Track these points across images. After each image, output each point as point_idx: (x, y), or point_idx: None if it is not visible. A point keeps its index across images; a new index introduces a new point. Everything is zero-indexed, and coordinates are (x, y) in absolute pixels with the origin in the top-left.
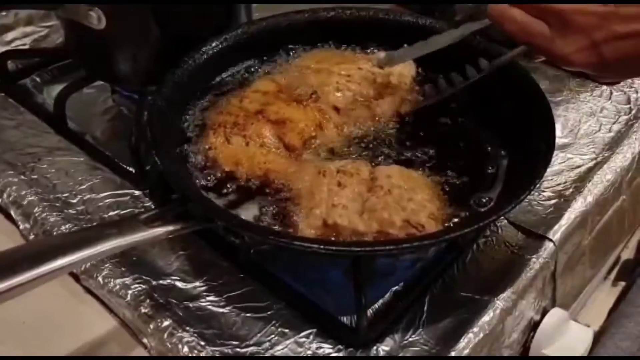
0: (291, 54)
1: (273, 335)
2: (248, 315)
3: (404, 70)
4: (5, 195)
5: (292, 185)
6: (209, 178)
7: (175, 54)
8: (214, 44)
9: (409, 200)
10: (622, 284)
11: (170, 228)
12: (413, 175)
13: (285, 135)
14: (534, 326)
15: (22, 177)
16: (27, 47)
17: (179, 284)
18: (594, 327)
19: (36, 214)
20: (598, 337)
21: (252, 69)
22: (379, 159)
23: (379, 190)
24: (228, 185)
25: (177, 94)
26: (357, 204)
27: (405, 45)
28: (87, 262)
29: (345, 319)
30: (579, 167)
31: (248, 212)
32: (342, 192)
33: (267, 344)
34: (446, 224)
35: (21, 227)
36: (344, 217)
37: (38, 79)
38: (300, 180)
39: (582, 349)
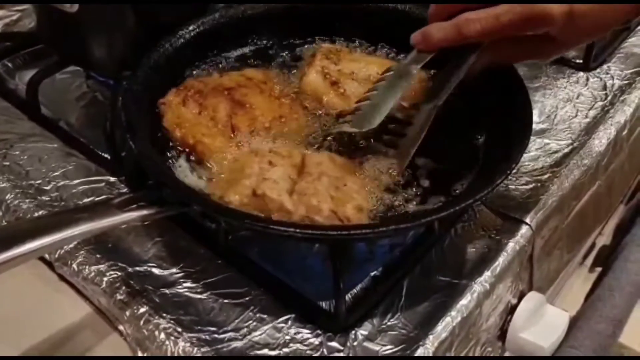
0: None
1: (251, 321)
2: (226, 301)
3: None
4: None
5: (220, 161)
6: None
7: (151, 39)
8: (190, 28)
9: (336, 189)
10: (599, 270)
11: (144, 212)
12: (345, 163)
13: (236, 115)
14: (511, 310)
15: None
16: None
17: (156, 271)
18: (571, 313)
19: (8, 201)
20: (574, 321)
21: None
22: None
23: (308, 176)
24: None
25: (153, 79)
26: (287, 184)
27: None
28: (58, 246)
29: (324, 304)
30: (555, 152)
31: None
32: (273, 170)
33: (245, 330)
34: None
35: None
36: (274, 190)
37: (10, 64)
38: (230, 157)
39: (558, 332)
